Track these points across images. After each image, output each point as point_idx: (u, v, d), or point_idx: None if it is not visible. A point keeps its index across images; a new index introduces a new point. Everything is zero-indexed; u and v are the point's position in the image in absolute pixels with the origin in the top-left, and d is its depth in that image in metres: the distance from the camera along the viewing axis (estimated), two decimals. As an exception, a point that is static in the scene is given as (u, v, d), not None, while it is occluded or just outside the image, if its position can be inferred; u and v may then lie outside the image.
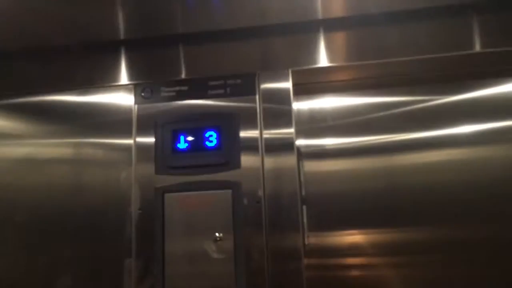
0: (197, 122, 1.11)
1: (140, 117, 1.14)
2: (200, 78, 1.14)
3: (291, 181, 1.06)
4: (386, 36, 1.11)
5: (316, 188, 1.13)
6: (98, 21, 1.09)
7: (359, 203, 1.12)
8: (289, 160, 1.07)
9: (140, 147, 1.12)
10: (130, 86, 1.16)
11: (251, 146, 1.08)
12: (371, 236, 1.11)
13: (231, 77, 1.12)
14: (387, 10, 1.09)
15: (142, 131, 1.13)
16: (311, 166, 1.15)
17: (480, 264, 1.07)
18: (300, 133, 1.15)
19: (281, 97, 1.10)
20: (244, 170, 1.07)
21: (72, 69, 1.20)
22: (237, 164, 1.07)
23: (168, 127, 1.12)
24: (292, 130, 1.08)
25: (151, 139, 1.12)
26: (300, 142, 1.15)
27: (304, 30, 1.13)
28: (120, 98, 1.16)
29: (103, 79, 1.18)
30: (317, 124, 1.18)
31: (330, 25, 1.13)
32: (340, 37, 1.14)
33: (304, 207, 1.08)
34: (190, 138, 1.11)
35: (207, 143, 1.10)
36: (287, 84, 1.11)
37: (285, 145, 1.07)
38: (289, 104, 1.09)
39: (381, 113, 1.16)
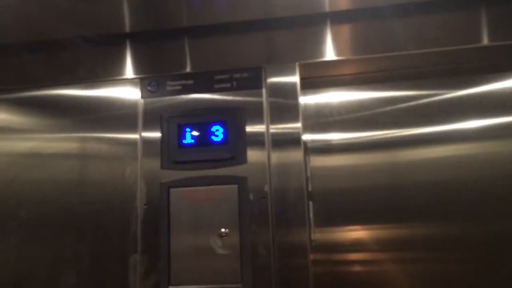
0: (203, 116, 1.11)
1: (146, 111, 1.13)
2: (206, 72, 1.13)
3: (298, 176, 1.05)
4: (394, 29, 1.10)
5: (322, 183, 1.12)
6: (104, 15, 1.08)
7: (366, 199, 1.11)
8: (296, 155, 1.06)
9: (146, 142, 1.11)
10: (136, 80, 1.15)
11: (257, 140, 1.07)
12: (378, 232, 1.10)
13: (237, 71, 1.11)
14: (395, 2, 1.08)
15: (148, 126, 1.12)
16: (317, 161, 1.14)
17: (487, 261, 1.06)
18: (307, 128, 1.14)
19: (288, 91, 1.09)
20: (250, 165, 1.06)
21: (78, 63, 1.19)
22: (243, 159, 1.07)
23: (174, 121, 1.11)
24: (299, 124, 1.07)
25: (156, 134, 1.11)
26: (306, 137, 1.14)
27: (311, 23, 1.12)
28: (126, 92, 1.15)
29: (108, 73, 1.17)
30: (324, 119, 1.17)
31: (337, 18, 1.12)
32: (347, 30, 1.12)
33: (311, 203, 1.07)
34: (196, 133, 1.10)
35: (213, 137, 1.09)
36: (294, 78, 1.09)
37: (292, 140, 1.07)
38: (296, 98, 1.08)
39: (388, 108, 1.15)
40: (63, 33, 1.16)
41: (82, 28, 1.13)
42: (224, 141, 1.09)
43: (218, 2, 1.05)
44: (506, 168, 1.09)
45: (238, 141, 1.08)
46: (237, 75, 1.11)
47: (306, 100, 1.17)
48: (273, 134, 1.07)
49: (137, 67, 1.17)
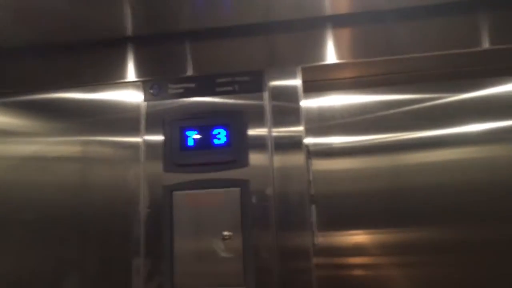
0: (205, 119, 1.11)
1: (148, 114, 1.13)
2: (208, 75, 1.13)
3: (300, 179, 1.05)
4: (395, 32, 1.10)
5: (325, 187, 1.12)
6: (106, 18, 1.08)
7: (368, 202, 1.11)
8: (298, 158, 1.06)
9: (149, 145, 1.11)
10: (139, 83, 1.15)
11: (259, 144, 1.07)
12: (381, 235, 1.10)
13: (239, 74, 1.11)
14: (396, 6, 1.08)
15: (150, 129, 1.12)
16: (319, 164, 1.14)
17: (489, 265, 1.06)
18: (309, 131, 1.14)
19: (290, 95, 1.09)
20: (253, 168, 1.06)
21: (80, 66, 1.19)
22: (245, 162, 1.07)
23: (176, 124, 1.11)
24: (301, 128, 1.07)
25: (159, 137, 1.11)
26: (308, 140, 1.14)
27: (312, 27, 1.12)
28: (128, 95, 1.15)
29: (111, 76, 1.17)
30: (326, 122, 1.17)
31: (339, 22, 1.12)
32: (348, 33, 1.12)
33: (313, 206, 1.07)
34: (198, 136, 1.10)
35: (215, 140, 1.09)
36: (296, 81, 1.10)
37: (294, 143, 1.06)
38: (298, 102, 1.08)
39: (391, 111, 1.15)
40: (66, 37, 1.16)
41: (85, 32, 1.13)
42: (226, 144, 1.09)
43: (220, 5, 1.05)
44: (509, 172, 1.09)
45: (240, 144, 1.08)
46: (239, 79, 1.11)
47: (308, 103, 1.17)
48: (275, 137, 1.07)
49: (139, 70, 1.17)
